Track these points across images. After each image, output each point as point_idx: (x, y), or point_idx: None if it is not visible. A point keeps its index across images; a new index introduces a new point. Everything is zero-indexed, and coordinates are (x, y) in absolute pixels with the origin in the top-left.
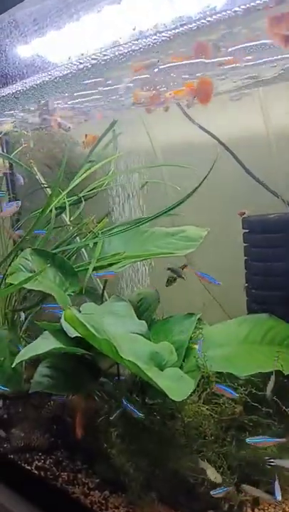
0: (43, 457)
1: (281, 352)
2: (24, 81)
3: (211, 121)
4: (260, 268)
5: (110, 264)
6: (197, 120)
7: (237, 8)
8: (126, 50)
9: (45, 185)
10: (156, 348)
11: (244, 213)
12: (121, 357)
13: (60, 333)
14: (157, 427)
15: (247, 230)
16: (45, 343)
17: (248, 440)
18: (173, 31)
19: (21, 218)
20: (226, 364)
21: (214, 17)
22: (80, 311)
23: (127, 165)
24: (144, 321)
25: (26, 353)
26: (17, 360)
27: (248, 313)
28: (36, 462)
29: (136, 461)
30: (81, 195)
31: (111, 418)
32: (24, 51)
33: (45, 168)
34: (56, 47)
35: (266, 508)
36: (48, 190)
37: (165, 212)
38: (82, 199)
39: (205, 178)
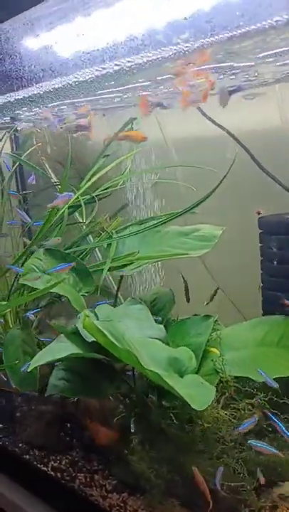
0: (58, 457)
1: None
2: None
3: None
4: (276, 269)
5: (124, 265)
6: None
7: None
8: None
9: (57, 183)
10: (176, 353)
11: (260, 213)
12: (142, 366)
13: (75, 336)
14: (175, 430)
15: (262, 231)
16: (63, 348)
17: (249, 442)
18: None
19: (31, 217)
20: (244, 368)
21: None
22: (95, 314)
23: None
24: (162, 326)
25: (43, 357)
26: (33, 365)
27: (263, 315)
28: (52, 463)
29: (155, 465)
30: (95, 193)
31: (131, 424)
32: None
33: (58, 165)
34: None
35: (287, 509)
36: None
37: (183, 213)
38: (96, 198)
39: (224, 177)
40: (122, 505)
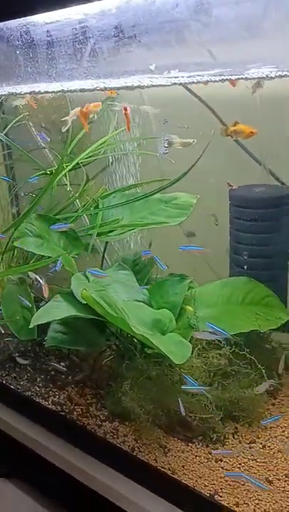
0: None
1: (259, 312)
2: None
3: None
4: (240, 237)
5: (111, 231)
6: None
7: None
8: None
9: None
10: (158, 315)
11: (231, 185)
12: (133, 331)
13: (71, 297)
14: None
15: (230, 202)
16: (60, 309)
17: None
18: None
19: (17, 183)
20: (214, 324)
21: None
22: (86, 277)
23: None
24: (145, 290)
25: (41, 317)
26: (33, 323)
27: (230, 276)
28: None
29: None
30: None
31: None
32: None
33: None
34: None
35: (244, 435)
36: (47, 152)
37: (163, 188)
38: (81, 165)
39: (203, 152)
40: (114, 431)
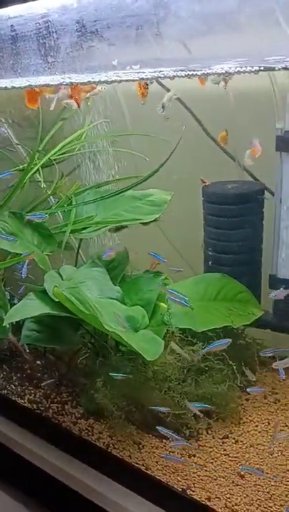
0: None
1: (232, 308)
2: None
3: None
4: (214, 233)
5: (84, 228)
6: None
7: None
8: None
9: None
10: (131, 312)
11: (205, 182)
12: (104, 328)
13: (44, 295)
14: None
15: (204, 199)
16: (33, 307)
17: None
18: None
19: None
20: (187, 320)
21: None
22: (60, 274)
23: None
24: (118, 287)
25: (14, 315)
26: (7, 321)
27: (205, 272)
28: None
29: (116, 399)
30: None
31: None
32: None
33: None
34: None
35: (217, 430)
36: (20, 148)
37: (137, 184)
38: (54, 162)
39: (175, 148)
40: (89, 429)
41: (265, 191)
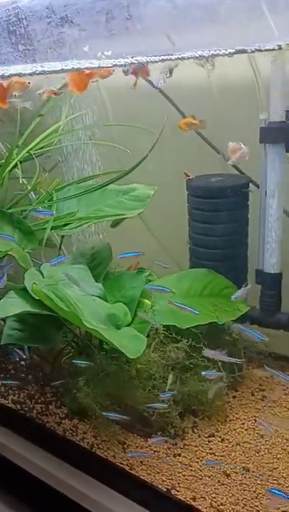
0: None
1: (218, 304)
2: None
3: None
4: (200, 228)
5: (66, 224)
6: None
7: None
8: None
9: None
10: (113, 309)
11: (188, 175)
12: (84, 325)
13: (25, 293)
14: (115, 370)
15: (188, 193)
16: (14, 305)
17: None
18: None
19: None
20: (171, 317)
21: None
22: (40, 272)
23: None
24: (100, 284)
25: None
26: None
27: (190, 268)
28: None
29: (99, 398)
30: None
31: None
32: None
33: None
34: None
35: (203, 429)
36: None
37: (119, 177)
38: (34, 157)
39: (153, 146)
40: (74, 429)
41: (251, 184)
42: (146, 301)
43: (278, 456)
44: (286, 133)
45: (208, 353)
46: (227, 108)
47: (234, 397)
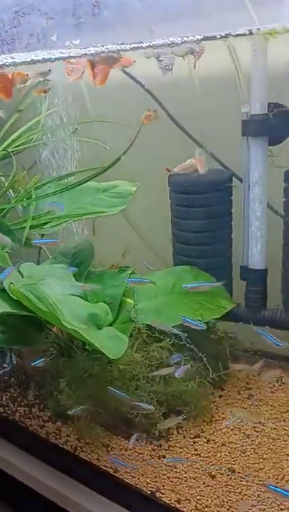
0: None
1: (202, 302)
2: None
3: None
4: (182, 224)
5: (45, 223)
6: None
7: None
8: None
9: None
10: (94, 309)
11: (169, 170)
12: (64, 325)
13: (4, 293)
14: (98, 370)
15: (170, 188)
16: None
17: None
18: None
19: None
20: (154, 316)
21: None
22: (20, 272)
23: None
24: (81, 283)
25: None
26: None
27: (174, 265)
28: None
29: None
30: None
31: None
32: None
33: None
34: None
35: (188, 429)
36: None
37: (97, 174)
38: (11, 154)
39: (133, 141)
40: (57, 432)
41: (234, 178)
42: (128, 300)
43: (264, 456)
44: (269, 125)
45: (155, 323)
46: (208, 102)
47: (220, 396)
